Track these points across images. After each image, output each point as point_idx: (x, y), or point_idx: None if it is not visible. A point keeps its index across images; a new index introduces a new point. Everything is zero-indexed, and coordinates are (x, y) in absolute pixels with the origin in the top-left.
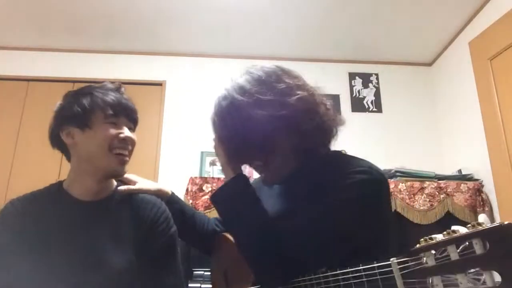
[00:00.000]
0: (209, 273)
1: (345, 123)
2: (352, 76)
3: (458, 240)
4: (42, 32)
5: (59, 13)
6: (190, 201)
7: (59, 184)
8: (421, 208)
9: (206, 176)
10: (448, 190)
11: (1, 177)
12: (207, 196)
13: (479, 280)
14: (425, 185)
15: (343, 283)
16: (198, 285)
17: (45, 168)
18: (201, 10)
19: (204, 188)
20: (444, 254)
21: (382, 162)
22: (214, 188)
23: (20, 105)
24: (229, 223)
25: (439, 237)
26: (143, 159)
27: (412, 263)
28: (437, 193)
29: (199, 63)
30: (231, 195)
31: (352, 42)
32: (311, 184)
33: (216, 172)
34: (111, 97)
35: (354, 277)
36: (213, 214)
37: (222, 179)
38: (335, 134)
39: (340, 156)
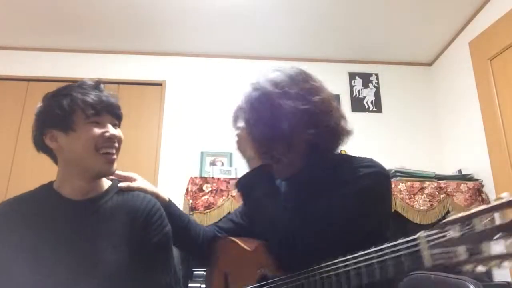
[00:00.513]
0: None
1: (352, 134)
2: (352, 76)
3: (482, 213)
4: (42, 32)
5: (59, 13)
6: (190, 201)
7: (49, 184)
8: (421, 208)
9: (206, 176)
10: (448, 190)
11: (1, 177)
12: (207, 196)
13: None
14: (425, 185)
15: (364, 264)
16: (198, 285)
17: (45, 168)
18: (201, 10)
19: (204, 188)
20: (469, 226)
21: (382, 162)
22: (214, 188)
23: (20, 105)
24: (253, 207)
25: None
26: (143, 159)
27: (438, 235)
28: (437, 193)
29: (199, 63)
30: (257, 180)
31: (352, 42)
32: (321, 180)
33: (216, 172)
34: (91, 96)
35: (377, 256)
36: (212, 214)
37: (222, 179)
38: (343, 141)
39: (345, 155)
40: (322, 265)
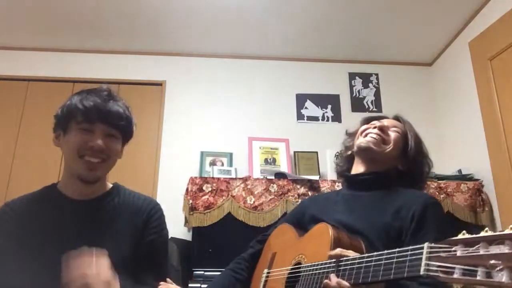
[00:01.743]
0: (209, 273)
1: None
2: (352, 76)
3: (492, 238)
4: (42, 32)
5: (59, 13)
6: (190, 201)
7: (53, 185)
8: None
9: (206, 176)
10: (448, 190)
11: (1, 177)
12: (207, 196)
13: (496, 276)
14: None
15: (374, 263)
16: (198, 285)
17: (45, 168)
18: (201, 10)
19: (204, 188)
20: (475, 248)
21: None
22: (214, 188)
23: (20, 105)
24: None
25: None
26: (143, 159)
27: (443, 250)
28: (437, 193)
29: (199, 63)
30: None
31: (352, 42)
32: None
33: (216, 172)
34: (88, 102)
35: (386, 258)
36: (212, 214)
37: (222, 179)
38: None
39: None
40: (343, 259)
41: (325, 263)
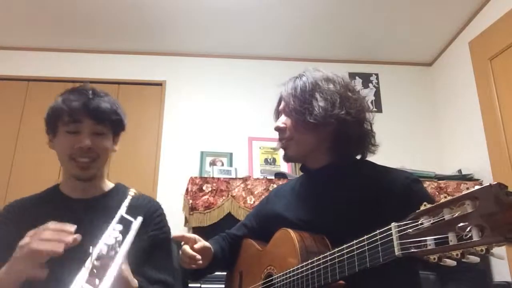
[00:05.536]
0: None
1: (376, 149)
2: (352, 76)
3: (452, 202)
4: (42, 32)
5: (59, 13)
6: (190, 201)
7: (56, 186)
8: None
9: (206, 176)
10: (448, 190)
11: (1, 177)
12: (207, 196)
13: (467, 236)
14: (425, 185)
15: (347, 256)
16: (198, 285)
17: (45, 168)
18: (201, 10)
19: (204, 188)
20: (440, 216)
21: (382, 162)
22: (214, 188)
23: (20, 105)
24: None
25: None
26: (143, 159)
27: (410, 226)
28: (437, 193)
29: (199, 63)
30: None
31: (352, 42)
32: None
33: (216, 172)
34: (73, 102)
35: (358, 248)
36: (212, 214)
37: (222, 179)
38: (366, 147)
39: (371, 162)
40: (314, 259)
41: (299, 268)
